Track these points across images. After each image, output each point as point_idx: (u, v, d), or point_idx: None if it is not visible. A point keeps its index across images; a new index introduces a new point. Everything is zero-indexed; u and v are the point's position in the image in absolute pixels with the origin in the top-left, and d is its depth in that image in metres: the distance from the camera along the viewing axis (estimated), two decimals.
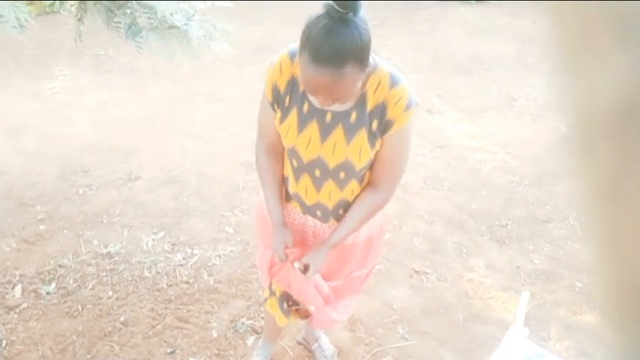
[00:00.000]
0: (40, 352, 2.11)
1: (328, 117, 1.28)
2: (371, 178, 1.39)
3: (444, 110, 4.47)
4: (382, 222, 1.62)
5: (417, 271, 2.64)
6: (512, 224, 3.04)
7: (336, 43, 1.06)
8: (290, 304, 1.76)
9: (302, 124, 1.30)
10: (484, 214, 3.11)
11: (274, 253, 1.47)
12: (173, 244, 2.75)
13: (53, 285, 2.45)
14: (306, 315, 1.81)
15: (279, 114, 1.33)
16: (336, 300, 1.68)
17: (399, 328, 2.30)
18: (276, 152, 1.44)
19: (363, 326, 2.29)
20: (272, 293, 1.76)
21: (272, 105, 1.34)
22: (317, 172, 1.36)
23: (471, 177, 3.50)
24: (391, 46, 5.72)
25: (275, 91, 1.31)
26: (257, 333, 2.22)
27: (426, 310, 2.40)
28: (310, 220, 1.51)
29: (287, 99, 1.30)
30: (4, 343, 2.14)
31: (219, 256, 2.67)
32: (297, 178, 1.41)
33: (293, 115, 1.30)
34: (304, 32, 1.11)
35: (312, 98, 1.28)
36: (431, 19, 6.87)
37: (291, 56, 1.28)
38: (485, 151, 3.84)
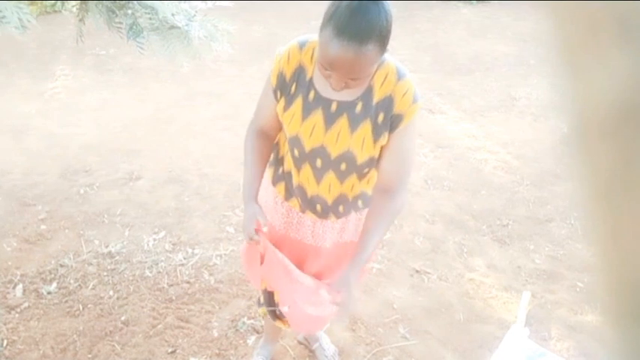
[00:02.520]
0: (41, 352, 2.11)
1: (333, 106, 1.28)
2: (383, 183, 1.36)
3: (446, 110, 4.47)
4: None
5: (417, 271, 2.64)
6: (513, 224, 3.04)
7: (363, 19, 1.06)
8: (272, 305, 1.74)
9: (306, 111, 1.30)
10: (485, 214, 3.11)
11: (244, 230, 1.40)
12: (174, 244, 2.75)
13: (54, 284, 2.45)
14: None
15: (282, 102, 1.33)
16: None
17: (400, 328, 2.30)
18: (266, 134, 1.45)
19: (363, 326, 2.29)
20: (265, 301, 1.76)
21: (275, 92, 1.33)
22: (318, 162, 1.35)
23: (472, 177, 3.50)
24: (393, 45, 5.66)
25: (281, 78, 1.31)
26: (258, 332, 2.22)
27: (426, 310, 2.40)
28: (308, 220, 1.49)
29: (293, 87, 1.30)
30: (5, 342, 2.15)
31: (220, 256, 2.67)
32: (298, 169, 1.39)
33: (298, 102, 1.30)
34: (329, 8, 1.11)
35: (319, 86, 1.28)
36: (432, 19, 6.87)
37: (301, 46, 1.29)
38: (487, 150, 3.84)
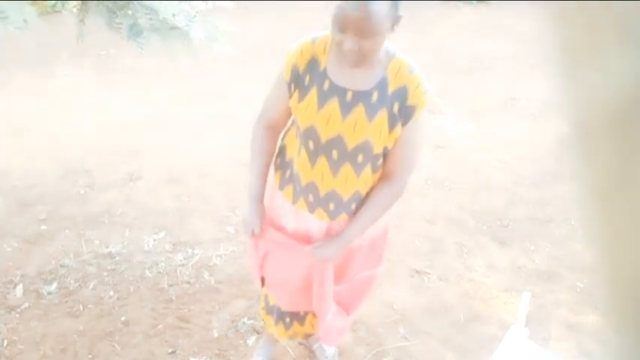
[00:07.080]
0: (42, 352, 2.11)
1: (349, 95, 1.30)
2: (386, 170, 1.40)
3: (446, 110, 4.47)
4: (387, 224, 1.61)
5: (418, 271, 2.64)
6: (514, 224, 3.04)
7: None
8: (290, 319, 1.75)
9: (322, 100, 1.31)
10: (485, 214, 3.11)
11: (245, 224, 1.43)
12: (174, 244, 2.75)
13: (54, 285, 2.45)
14: (306, 334, 1.82)
15: (296, 94, 1.34)
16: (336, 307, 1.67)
17: (400, 328, 2.30)
18: (273, 131, 1.47)
19: (364, 326, 2.29)
20: (269, 310, 1.76)
21: (289, 85, 1.35)
22: (334, 154, 1.34)
23: (472, 177, 3.50)
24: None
25: (294, 71, 1.33)
26: (258, 333, 2.22)
27: (427, 310, 2.40)
28: (317, 222, 1.47)
29: (307, 78, 1.32)
30: (5, 342, 2.15)
31: (220, 256, 2.67)
32: (313, 163, 1.38)
33: (313, 93, 1.31)
34: None
35: (334, 75, 1.30)
36: (432, 19, 6.86)
37: (313, 40, 1.34)
38: (487, 151, 3.83)
